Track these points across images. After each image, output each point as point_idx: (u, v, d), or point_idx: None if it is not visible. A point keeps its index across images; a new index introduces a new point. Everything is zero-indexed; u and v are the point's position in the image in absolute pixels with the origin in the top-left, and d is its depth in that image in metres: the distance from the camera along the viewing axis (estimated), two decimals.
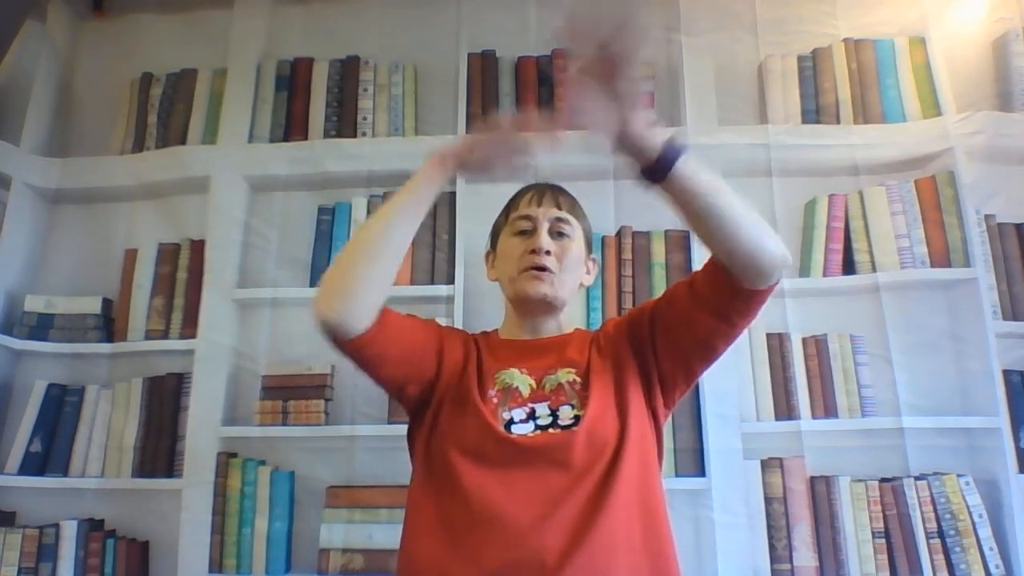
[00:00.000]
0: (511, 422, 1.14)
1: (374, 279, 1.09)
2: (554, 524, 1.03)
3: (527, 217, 1.28)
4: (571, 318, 1.34)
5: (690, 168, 1.00)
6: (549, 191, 1.31)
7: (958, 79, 2.01)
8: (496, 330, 1.35)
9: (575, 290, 1.31)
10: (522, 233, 1.28)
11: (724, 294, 1.08)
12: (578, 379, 1.18)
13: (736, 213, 1.03)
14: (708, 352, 1.17)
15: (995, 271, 1.87)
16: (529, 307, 1.27)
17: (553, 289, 1.24)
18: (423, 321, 1.25)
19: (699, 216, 1.03)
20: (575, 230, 1.29)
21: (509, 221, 1.31)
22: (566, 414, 1.14)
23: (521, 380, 1.19)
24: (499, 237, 1.34)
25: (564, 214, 1.28)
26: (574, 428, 1.11)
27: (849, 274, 1.91)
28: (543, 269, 1.23)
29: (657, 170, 1.00)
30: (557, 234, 1.27)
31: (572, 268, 1.27)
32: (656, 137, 1.00)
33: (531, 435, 1.12)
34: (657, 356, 1.18)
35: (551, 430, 1.13)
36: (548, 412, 1.15)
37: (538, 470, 1.08)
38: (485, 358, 1.24)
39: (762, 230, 1.04)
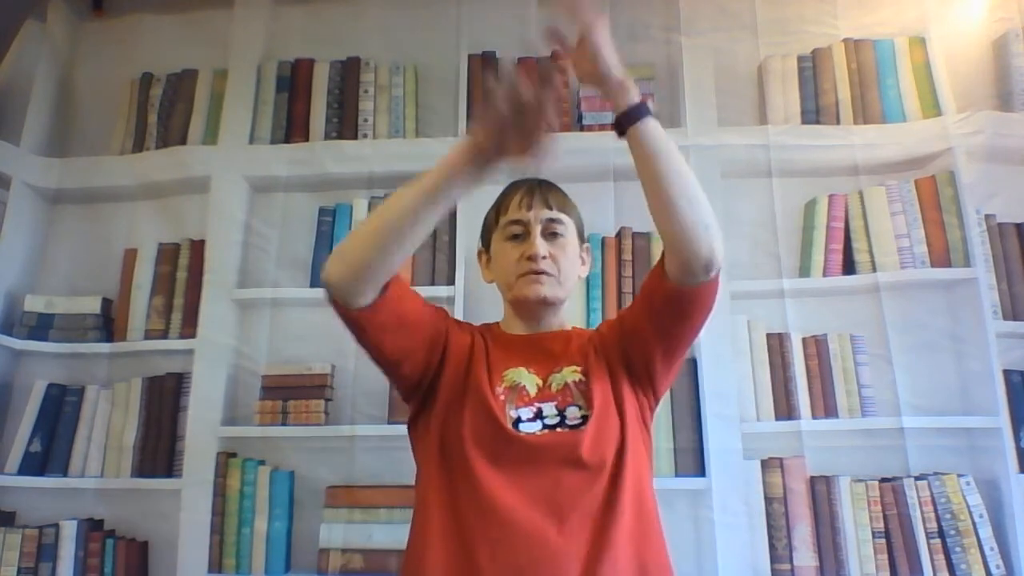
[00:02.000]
0: (518, 420, 1.14)
1: (389, 261, 1.08)
2: (574, 527, 1.05)
3: (519, 222, 1.27)
4: (570, 314, 1.35)
5: (655, 130, 1.05)
6: (539, 190, 1.29)
7: (958, 79, 2.01)
8: (498, 323, 1.34)
9: (574, 285, 1.32)
10: (515, 237, 1.27)
11: (662, 299, 1.13)
12: (583, 378, 1.19)
13: (687, 186, 1.06)
14: (666, 357, 1.21)
15: (995, 271, 1.87)
16: (529, 308, 1.27)
17: (553, 290, 1.25)
18: (434, 306, 1.25)
19: (653, 178, 1.06)
20: (568, 227, 1.29)
21: (500, 225, 1.30)
22: (573, 414, 1.15)
23: (528, 379, 1.19)
24: (491, 239, 1.33)
25: (556, 213, 1.27)
26: (582, 427, 1.13)
27: (849, 274, 1.91)
28: (541, 272, 1.24)
29: (625, 118, 1.05)
30: (551, 235, 1.26)
31: (569, 266, 1.27)
32: (624, 84, 1.05)
33: (539, 433, 1.13)
34: (633, 357, 1.21)
35: (559, 429, 1.14)
36: (555, 412, 1.16)
37: (550, 469, 1.10)
38: (492, 351, 1.24)
39: (705, 216, 1.06)
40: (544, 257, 1.24)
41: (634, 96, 1.05)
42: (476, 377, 1.18)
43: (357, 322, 1.12)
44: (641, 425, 1.19)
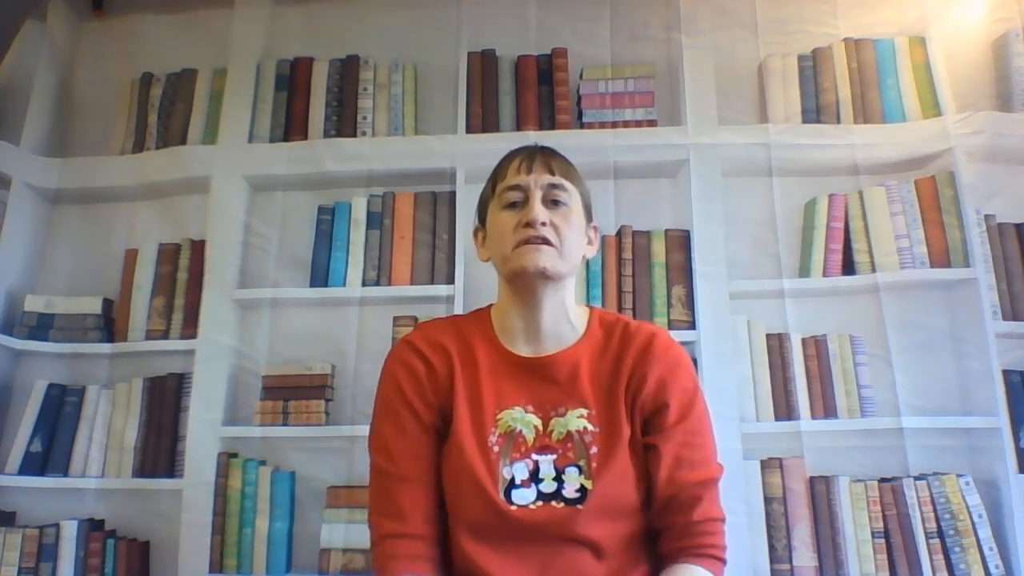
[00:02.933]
0: (512, 484, 1.07)
1: None
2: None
3: (517, 187, 1.15)
4: (577, 298, 1.23)
5: None
6: (539, 155, 1.18)
7: (958, 79, 2.01)
8: (489, 311, 1.23)
9: (578, 263, 1.19)
10: (513, 205, 1.15)
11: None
12: (589, 427, 1.10)
13: None
14: None
15: (995, 271, 1.87)
16: (527, 283, 1.13)
17: (553, 261, 1.11)
18: (414, 437, 1.13)
19: None
20: (572, 196, 1.17)
21: (497, 193, 1.18)
22: (572, 481, 1.07)
23: (525, 423, 1.11)
24: (487, 211, 1.21)
25: (558, 179, 1.15)
26: (579, 505, 1.05)
27: (849, 274, 1.91)
28: (542, 241, 1.11)
29: None
30: (552, 202, 1.15)
31: (573, 239, 1.15)
32: None
33: (533, 508, 1.05)
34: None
35: (554, 503, 1.06)
36: (553, 473, 1.07)
37: (547, 544, 1.04)
38: (483, 377, 1.13)
39: None
40: (544, 224, 1.11)
41: None
42: (457, 433, 1.10)
43: None
44: None
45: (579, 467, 1.08)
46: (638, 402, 1.12)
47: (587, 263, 1.87)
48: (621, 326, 1.19)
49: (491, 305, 1.25)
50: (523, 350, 1.17)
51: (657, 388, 1.12)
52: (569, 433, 1.10)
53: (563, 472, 1.07)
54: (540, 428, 1.11)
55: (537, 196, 1.14)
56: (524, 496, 1.06)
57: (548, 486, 1.07)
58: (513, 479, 1.07)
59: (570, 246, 1.14)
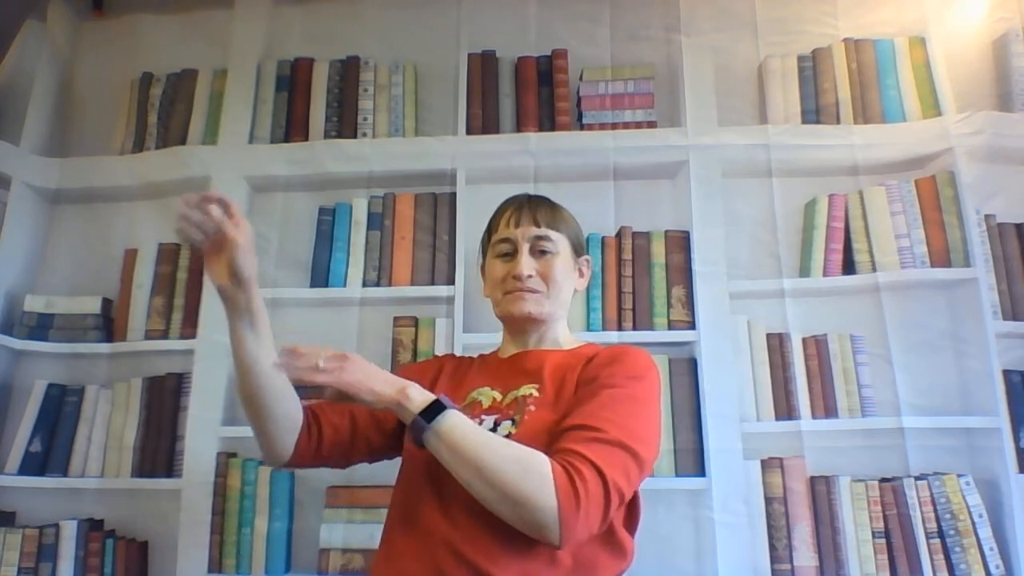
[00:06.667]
0: None
1: (271, 429, 1.22)
2: (457, 515, 1.07)
3: (507, 240, 1.28)
4: (567, 323, 1.35)
5: (437, 441, 1.02)
6: (527, 207, 1.29)
7: (958, 79, 2.01)
8: (497, 351, 1.36)
9: (568, 300, 1.32)
10: (504, 255, 1.28)
11: None
12: (535, 394, 1.17)
13: (483, 486, 0.99)
14: None
15: (995, 271, 1.87)
16: (517, 325, 1.29)
17: (539, 306, 1.25)
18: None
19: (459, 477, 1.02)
20: (558, 244, 1.28)
21: (491, 243, 1.31)
22: (504, 428, 1.14)
23: (487, 395, 1.21)
24: (485, 255, 1.35)
25: (544, 231, 1.27)
26: None
27: (849, 274, 1.91)
28: (528, 291, 1.25)
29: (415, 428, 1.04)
30: (539, 252, 1.27)
31: (559, 282, 1.27)
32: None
33: None
34: None
35: None
36: (491, 425, 1.15)
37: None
38: (470, 374, 1.28)
39: (515, 500, 0.97)
40: (530, 276, 1.24)
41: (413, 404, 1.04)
42: None
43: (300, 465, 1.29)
44: None
45: (513, 420, 1.15)
46: (579, 379, 1.17)
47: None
48: (601, 347, 1.26)
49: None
50: (508, 353, 1.32)
51: (594, 367, 1.17)
52: (516, 398, 1.18)
53: (498, 425, 1.15)
54: (498, 399, 1.20)
55: (524, 249, 1.26)
56: None
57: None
58: None
59: (557, 289, 1.26)
